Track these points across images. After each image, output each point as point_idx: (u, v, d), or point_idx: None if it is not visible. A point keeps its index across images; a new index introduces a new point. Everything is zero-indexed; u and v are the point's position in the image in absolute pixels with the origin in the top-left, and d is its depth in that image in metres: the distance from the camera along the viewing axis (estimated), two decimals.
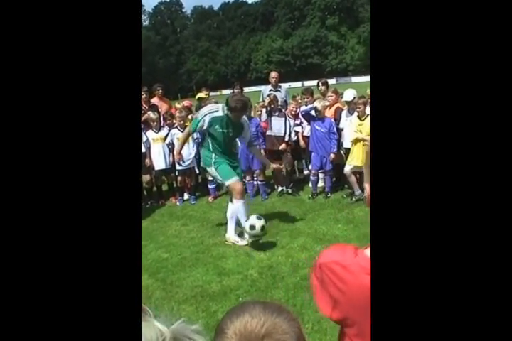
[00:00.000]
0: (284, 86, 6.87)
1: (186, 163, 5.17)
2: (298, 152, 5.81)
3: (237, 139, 4.25)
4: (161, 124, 5.62)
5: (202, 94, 6.39)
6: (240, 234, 4.05)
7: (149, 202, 5.56)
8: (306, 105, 5.34)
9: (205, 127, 3.86)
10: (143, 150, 5.25)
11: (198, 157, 5.30)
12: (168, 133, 5.46)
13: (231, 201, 4.03)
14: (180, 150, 4.28)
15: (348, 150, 5.08)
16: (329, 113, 5.34)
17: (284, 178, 5.71)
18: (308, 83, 31.79)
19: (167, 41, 69.26)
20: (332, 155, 5.09)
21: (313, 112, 5.04)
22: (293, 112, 5.63)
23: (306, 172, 6.00)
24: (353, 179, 4.92)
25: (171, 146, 5.43)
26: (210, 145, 3.95)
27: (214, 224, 4.61)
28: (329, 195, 5.28)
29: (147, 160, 5.33)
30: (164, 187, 5.87)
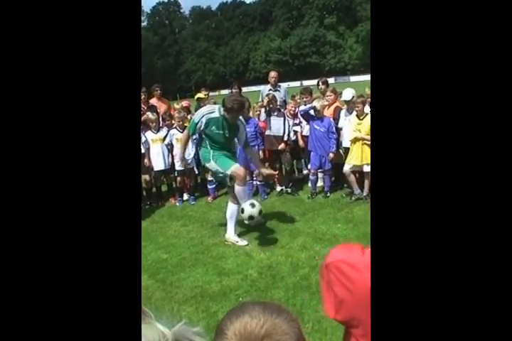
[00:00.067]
0: (284, 85, 6.83)
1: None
2: (297, 152, 5.79)
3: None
4: (160, 125, 5.61)
5: (201, 95, 6.37)
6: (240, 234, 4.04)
7: (149, 203, 5.55)
8: (305, 105, 5.33)
9: (202, 128, 3.87)
10: (142, 150, 5.24)
11: (197, 157, 5.29)
12: (167, 134, 5.44)
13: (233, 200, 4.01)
14: (183, 154, 4.30)
15: (347, 150, 5.07)
16: (328, 112, 5.33)
17: (284, 178, 5.71)
18: (306, 82, 31.85)
19: (165, 41, 69.30)
20: (331, 155, 5.08)
21: (312, 112, 5.04)
22: (292, 112, 5.62)
23: (305, 171, 6.00)
24: (352, 178, 4.92)
25: (170, 147, 5.43)
26: (208, 144, 3.95)
27: (213, 225, 4.61)
28: (328, 194, 5.28)
29: (146, 161, 5.32)
30: (163, 188, 5.86)
